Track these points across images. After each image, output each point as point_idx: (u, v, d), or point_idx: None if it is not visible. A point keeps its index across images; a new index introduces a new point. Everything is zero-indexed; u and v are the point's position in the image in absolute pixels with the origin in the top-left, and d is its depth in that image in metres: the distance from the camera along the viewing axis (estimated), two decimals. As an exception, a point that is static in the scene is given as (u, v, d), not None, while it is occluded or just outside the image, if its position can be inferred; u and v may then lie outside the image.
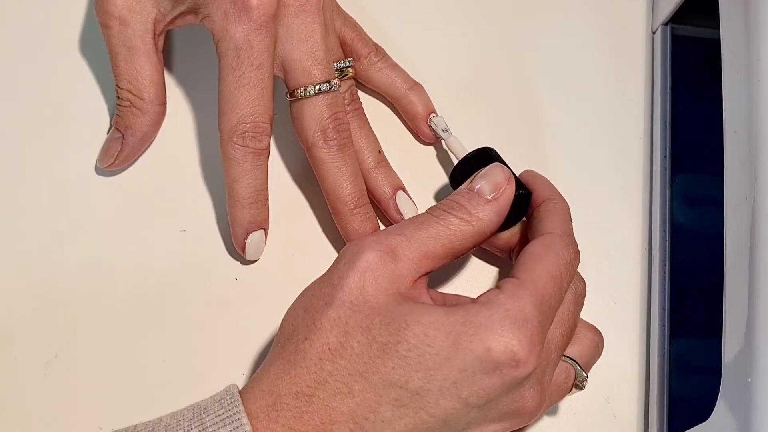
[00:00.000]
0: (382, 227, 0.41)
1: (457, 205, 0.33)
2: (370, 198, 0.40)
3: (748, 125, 0.32)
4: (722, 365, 0.32)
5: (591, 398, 0.38)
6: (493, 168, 0.34)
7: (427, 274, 0.32)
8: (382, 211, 0.41)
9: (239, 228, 0.39)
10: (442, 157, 0.43)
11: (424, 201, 0.41)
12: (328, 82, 0.37)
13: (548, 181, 0.38)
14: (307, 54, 0.37)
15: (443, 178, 0.42)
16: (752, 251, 0.31)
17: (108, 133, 0.41)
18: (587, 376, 0.34)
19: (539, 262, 0.32)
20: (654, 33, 0.45)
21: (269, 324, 0.39)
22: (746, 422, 0.30)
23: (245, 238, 0.38)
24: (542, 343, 0.30)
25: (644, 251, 0.42)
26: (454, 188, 0.35)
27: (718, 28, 0.36)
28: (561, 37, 0.46)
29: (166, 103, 0.40)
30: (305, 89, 0.37)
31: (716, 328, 0.33)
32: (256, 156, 0.37)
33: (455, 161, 0.39)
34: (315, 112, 0.38)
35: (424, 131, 0.42)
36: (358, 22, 0.43)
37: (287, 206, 0.41)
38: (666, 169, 0.42)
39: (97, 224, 0.40)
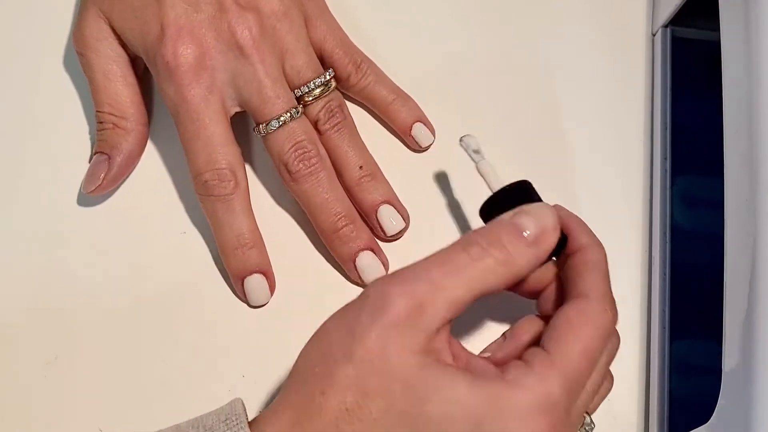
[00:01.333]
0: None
1: (497, 242, 0.30)
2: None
3: (748, 126, 0.32)
4: (723, 367, 0.32)
5: (591, 400, 0.38)
6: (542, 208, 0.32)
7: (450, 321, 0.30)
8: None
9: (232, 276, 0.38)
10: (441, 160, 0.43)
11: (420, 205, 0.41)
12: (285, 113, 0.37)
13: (582, 221, 0.34)
14: (254, 95, 0.37)
15: (442, 180, 0.42)
16: (753, 252, 0.31)
17: (90, 160, 0.40)
18: (594, 426, 0.34)
19: (572, 334, 0.30)
20: (654, 35, 0.45)
21: (270, 326, 0.39)
22: (747, 424, 0.30)
23: (241, 285, 0.38)
24: (566, 424, 0.29)
25: (644, 253, 0.42)
26: (485, 221, 0.33)
27: (718, 30, 0.36)
28: (561, 39, 0.46)
29: (148, 125, 0.41)
30: (263, 126, 0.37)
31: (716, 330, 0.33)
32: (225, 203, 0.37)
33: (484, 184, 0.36)
34: (275, 147, 0.38)
35: (410, 142, 0.42)
36: (358, 26, 0.42)
37: (288, 207, 0.41)
38: (666, 171, 0.42)
39: (98, 225, 0.40)
